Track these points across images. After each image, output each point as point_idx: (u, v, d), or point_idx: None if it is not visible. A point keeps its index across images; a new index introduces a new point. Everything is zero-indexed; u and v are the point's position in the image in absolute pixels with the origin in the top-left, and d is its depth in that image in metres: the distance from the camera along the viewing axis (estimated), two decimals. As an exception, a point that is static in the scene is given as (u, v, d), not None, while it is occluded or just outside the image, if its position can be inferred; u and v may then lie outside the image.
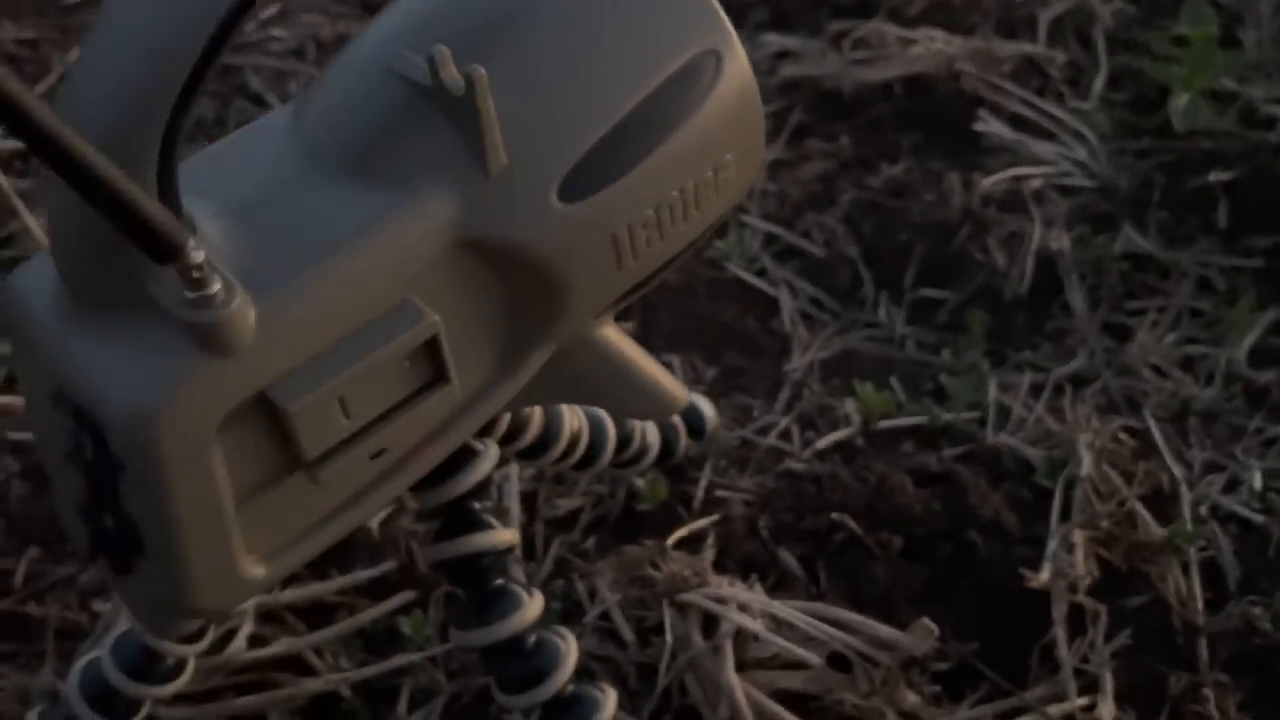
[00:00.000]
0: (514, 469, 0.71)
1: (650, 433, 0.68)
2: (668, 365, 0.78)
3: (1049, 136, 0.92)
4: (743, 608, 0.63)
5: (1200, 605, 0.67)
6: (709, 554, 0.68)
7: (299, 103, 0.47)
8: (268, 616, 0.66)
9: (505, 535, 0.55)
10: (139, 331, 0.40)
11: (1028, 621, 0.66)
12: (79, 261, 0.40)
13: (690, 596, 0.63)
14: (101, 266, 0.40)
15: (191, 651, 0.56)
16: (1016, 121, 0.93)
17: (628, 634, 0.65)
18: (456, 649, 0.64)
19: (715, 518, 0.70)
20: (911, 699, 0.62)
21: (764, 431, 0.76)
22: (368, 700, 0.64)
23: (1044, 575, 0.67)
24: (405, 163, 0.44)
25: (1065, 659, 0.64)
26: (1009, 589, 0.67)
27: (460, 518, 0.54)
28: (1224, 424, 0.76)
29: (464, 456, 0.53)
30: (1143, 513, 0.70)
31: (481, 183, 0.44)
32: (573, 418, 0.61)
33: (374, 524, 0.70)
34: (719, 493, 0.72)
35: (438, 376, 0.45)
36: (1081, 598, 0.66)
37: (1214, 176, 0.89)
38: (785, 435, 0.76)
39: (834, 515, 0.70)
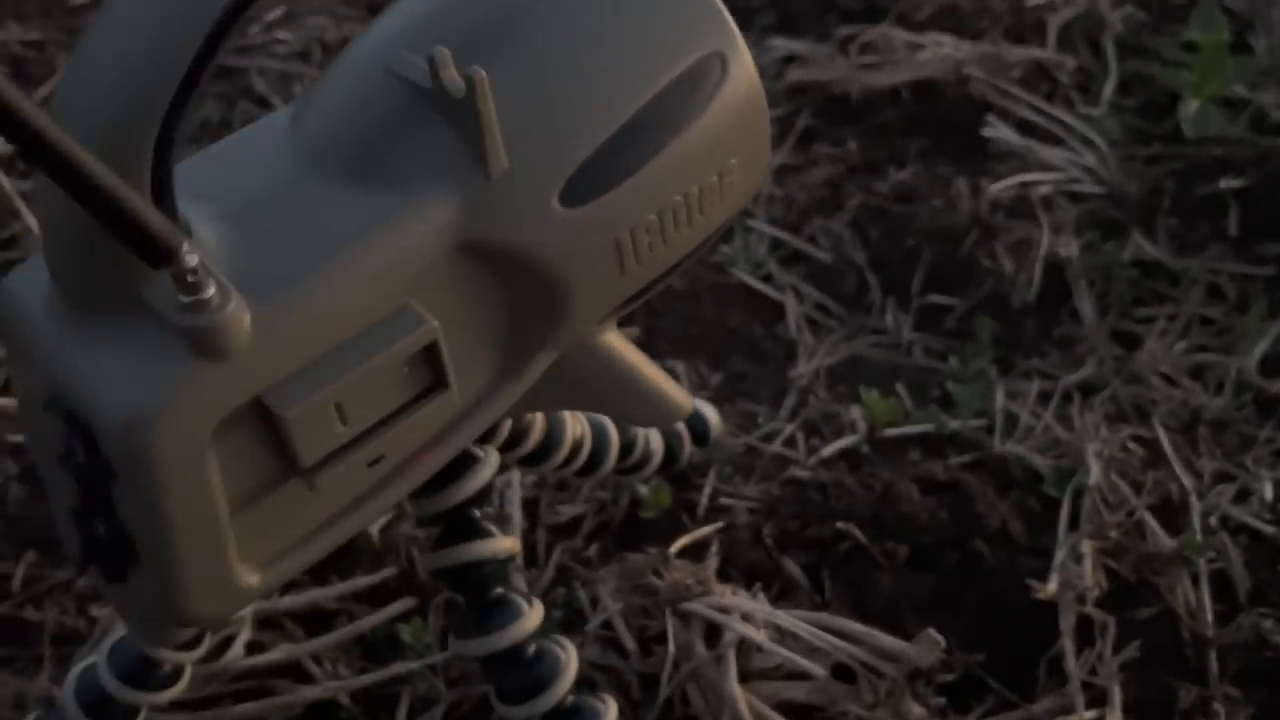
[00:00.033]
0: (515, 475, 0.71)
1: (653, 439, 0.67)
2: (672, 371, 0.78)
3: (1058, 142, 0.92)
4: (746, 617, 0.62)
5: (1210, 617, 0.66)
6: (712, 562, 0.67)
7: (299, 104, 0.46)
8: (266, 623, 0.66)
9: (505, 543, 0.54)
10: (133, 335, 0.40)
11: (1035, 632, 0.66)
12: (72, 264, 0.40)
13: (693, 605, 0.63)
14: (95, 270, 0.39)
15: (188, 658, 0.55)
16: (1025, 127, 0.93)
17: (630, 643, 0.64)
18: (456, 658, 0.63)
19: (719, 525, 0.70)
20: (917, 711, 0.61)
21: (769, 438, 0.75)
22: (367, 708, 0.64)
23: (1052, 586, 0.66)
24: (405, 165, 0.43)
25: (1073, 671, 0.64)
26: (1016, 599, 0.67)
27: (460, 525, 0.54)
28: (1234, 433, 0.76)
29: (464, 463, 0.52)
30: (1152, 523, 0.69)
31: (482, 186, 0.43)
32: (575, 424, 0.61)
33: (374, 530, 0.69)
34: (723, 500, 0.72)
35: (437, 383, 0.44)
36: (1090, 609, 0.66)
37: (1224, 183, 0.88)
38: (790, 442, 0.75)
39: (839, 524, 0.69)
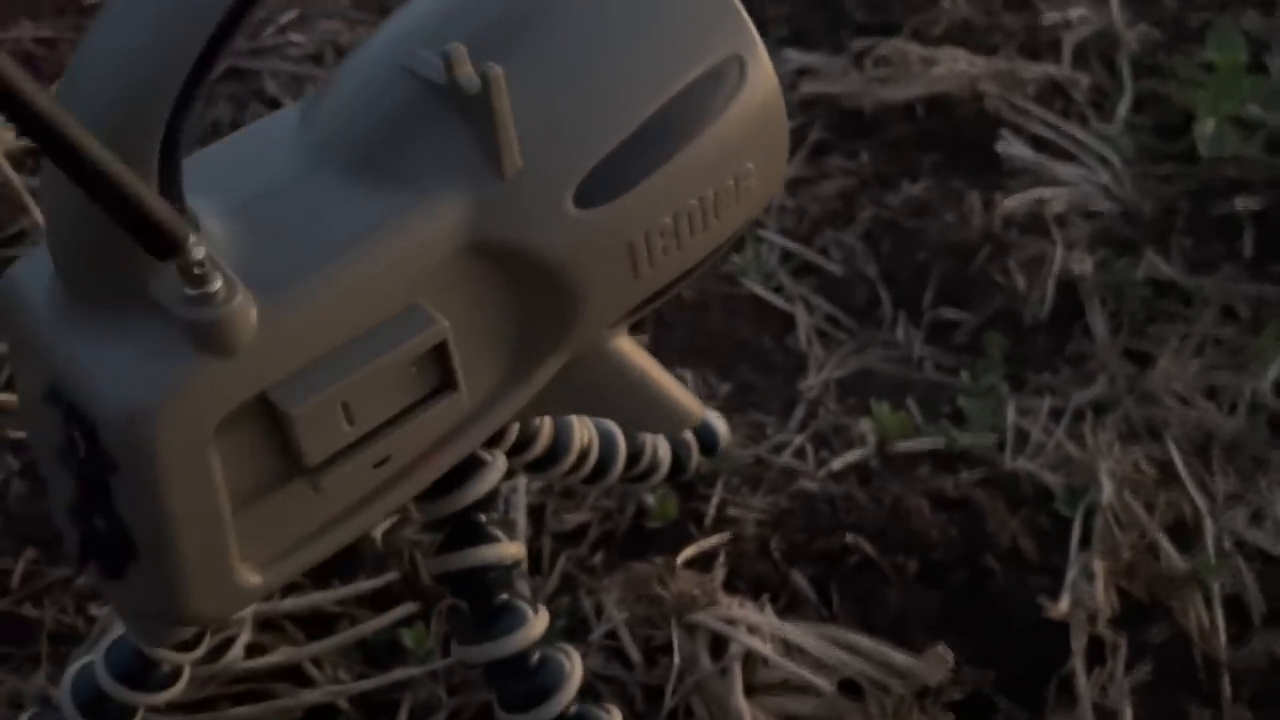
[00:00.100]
0: (522, 482, 0.70)
1: (661, 448, 0.67)
2: (680, 380, 0.77)
3: (1072, 159, 0.91)
4: (753, 630, 0.61)
5: (1223, 639, 0.66)
6: (719, 574, 0.66)
7: (310, 100, 0.46)
8: (266, 625, 0.65)
9: (511, 549, 0.53)
10: (137, 329, 0.39)
11: (1045, 652, 0.65)
12: (77, 255, 0.39)
13: (699, 617, 0.62)
14: (100, 261, 0.39)
15: (187, 659, 0.54)
16: (1039, 143, 0.92)
17: (634, 653, 0.64)
18: (458, 664, 0.62)
19: (726, 537, 0.69)
20: (923, 728, 0.60)
21: (778, 450, 0.75)
22: (366, 713, 0.63)
23: (1063, 605, 0.65)
24: (417, 162, 0.43)
25: (1084, 691, 0.63)
26: (1026, 618, 0.66)
27: (466, 529, 0.53)
28: (1248, 455, 0.75)
29: (471, 466, 0.51)
30: (1165, 543, 0.69)
31: (495, 185, 0.43)
32: (583, 430, 0.60)
33: (377, 534, 0.68)
34: (730, 511, 0.71)
35: (445, 383, 0.43)
36: (1101, 629, 0.65)
37: (1239, 204, 0.87)
38: (799, 454, 0.75)
39: (848, 537, 0.69)
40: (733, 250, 0.84)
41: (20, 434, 0.73)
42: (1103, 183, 0.89)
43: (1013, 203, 0.87)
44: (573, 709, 0.54)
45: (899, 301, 0.84)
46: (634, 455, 0.64)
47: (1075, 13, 1.02)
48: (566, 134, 0.44)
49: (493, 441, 0.53)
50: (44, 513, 0.69)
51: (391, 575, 0.67)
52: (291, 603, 0.65)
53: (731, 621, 0.62)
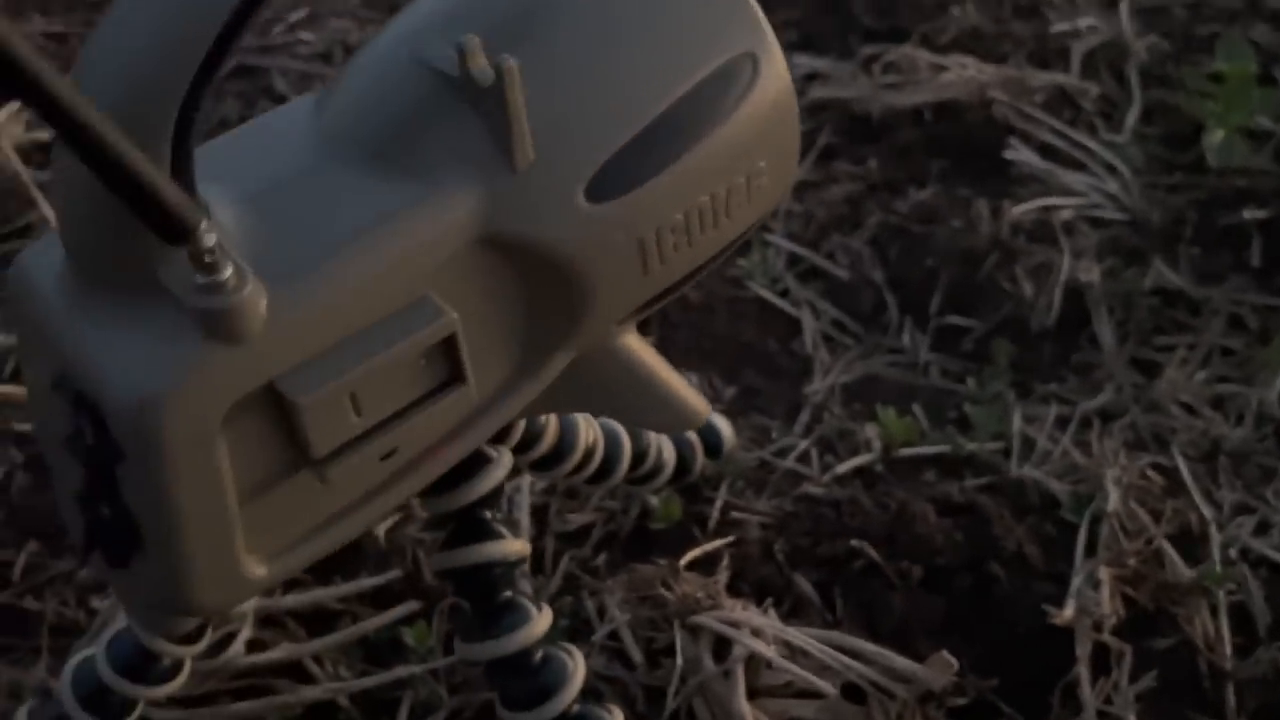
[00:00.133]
0: (526, 481, 0.70)
1: (666, 450, 0.67)
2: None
3: (1080, 168, 0.91)
4: (756, 632, 0.61)
5: (1229, 650, 0.65)
6: (723, 576, 0.66)
7: (323, 92, 0.46)
8: (268, 621, 0.65)
9: (516, 546, 0.53)
10: (146, 315, 0.39)
11: (1050, 659, 0.64)
12: (87, 241, 0.39)
13: (702, 619, 0.62)
14: (110, 246, 0.39)
15: (188, 653, 0.54)
16: (1047, 151, 0.92)
17: (637, 655, 0.63)
18: (460, 662, 0.62)
19: (730, 539, 0.69)
20: (927, 734, 0.60)
21: (782, 454, 0.75)
22: (367, 711, 0.63)
23: (1068, 612, 0.65)
24: (429, 155, 0.43)
25: (1088, 700, 0.62)
26: (1031, 625, 0.66)
27: (470, 526, 0.53)
28: (1255, 465, 0.75)
29: (477, 462, 0.51)
30: (1171, 552, 0.68)
31: (507, 178, 0.43)
32: (588, 430, 0.60)
33: (380, 531, 0.68)
34: (735, 514, 0.71)
35: (454, 376, 0.43)
36: (1106, 637, 0.64)
37: (1248, 214, 0.87)
38: (804, 458, 0.74)
39: (853, 542, 0.68)
40: (739, 253, 0.83)
41: (25, 427, 0.73)
42: (1111, 192, 0.89)
43: (1020, 210, 0.87)
44: (575, 708, 0.53)
45: (905, 307, 0.83)
46: (639, 456, 0.64)
47: (1085, 22, 1.02)
48: (579, 128, 0.44)
49: (499, 438, 0.52)
50: (48, 506, 0.69)
51: (394, 573, 0.67)
52: (293, 599, 0.65)
53: (735, 624, 0.61)
